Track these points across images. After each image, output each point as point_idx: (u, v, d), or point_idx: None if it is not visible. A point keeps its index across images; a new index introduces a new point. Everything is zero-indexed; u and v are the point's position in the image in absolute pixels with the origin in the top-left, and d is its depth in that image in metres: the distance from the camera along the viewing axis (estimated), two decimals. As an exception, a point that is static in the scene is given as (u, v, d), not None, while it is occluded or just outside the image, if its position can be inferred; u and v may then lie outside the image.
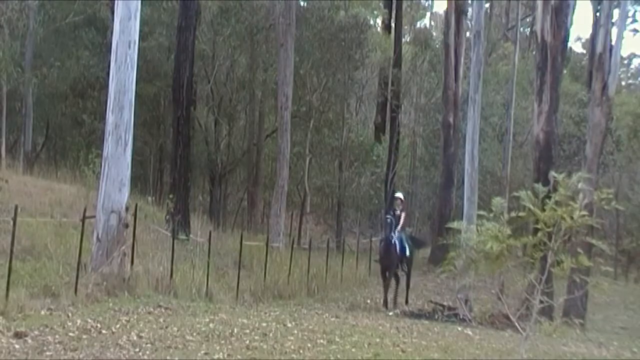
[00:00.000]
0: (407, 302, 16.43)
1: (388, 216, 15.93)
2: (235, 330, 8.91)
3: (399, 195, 17.16)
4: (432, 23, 50.33)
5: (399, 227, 15.98)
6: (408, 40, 38.27)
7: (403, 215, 16.30)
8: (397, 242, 15.74)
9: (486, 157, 27.11)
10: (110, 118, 11.86)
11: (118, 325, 8.68)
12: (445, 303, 15.42)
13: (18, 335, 7.65)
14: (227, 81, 28.77)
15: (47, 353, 7.19)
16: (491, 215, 6.98)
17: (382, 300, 15.79)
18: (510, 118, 23.60)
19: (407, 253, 16.23)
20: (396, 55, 30.71)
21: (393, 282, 16.17)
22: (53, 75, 26.62)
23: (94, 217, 11.58)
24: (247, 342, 8.28)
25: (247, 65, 28.96)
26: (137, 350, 7.56)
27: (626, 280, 26.37)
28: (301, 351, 8.00)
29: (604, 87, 16.85)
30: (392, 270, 15.92)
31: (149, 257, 13.42)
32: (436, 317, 13.88)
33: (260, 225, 29.46)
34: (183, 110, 20.73)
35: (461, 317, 13.25)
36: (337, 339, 8.81)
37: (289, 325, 9.80)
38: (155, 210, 19.49)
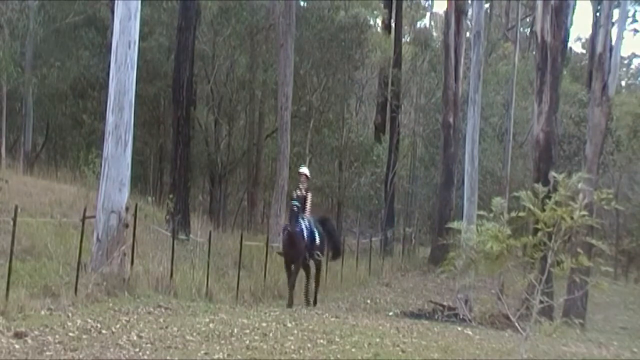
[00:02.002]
0: (315, 302, 14.32)
1: (294, 202, 13.62)
2: (235, 330, 8.91)
3: (304, 170, 14.63)
4: (432, 23, 50.29)
5: (306, 211, 13.87)
6: (408, 40, 38.23)
7: (309, 195, 14.05)
8: (304, 229, 13.64)
9: (486, 157, 27.11)
10: (110, 118, 11.86)
11: (118, 325, 8.68)
12: (445, 303, 15.41)
13: (18, 335, 7.65)
14: (227, 81, 28.77)
15: (47, 353, 7.18)
16: (491, 215, 6.97)
17: (287, 301, 13.64)
18: (510, 118, 23.58)
19: (317, 240, 14.01)
20: (396, 55, 30.71)
21: (303, 275, 14.17)
22: (53, 75, 26.63)
23: (94, 217, 11.58)
24: (247, 342, 8.28)
25: (247, 65, 28.97)
26: (137, 350, 7.56)
27: (626, 280, 26.36)
28: (301, 351, 8.00)
29: (604, 87, 16.86)
30: (299, 262, 13.80)
31: (149, 257, 13.43)
32: (436, 317, 13.88)
33: (260, 225, 29.45)
34: (183, 110, 20.74)
35: (461, 317, 13.24)
36: (337, 339, 8.80)
37: (289, 325, 9.79)
38: (155, 210, 19.49)
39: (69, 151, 28.58)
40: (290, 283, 13.73)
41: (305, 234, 13.64)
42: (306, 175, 14.35)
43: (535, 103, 18.00)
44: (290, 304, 13.26)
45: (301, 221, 13.56)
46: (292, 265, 13.72)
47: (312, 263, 14.16)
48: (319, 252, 14.08)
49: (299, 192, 13.96)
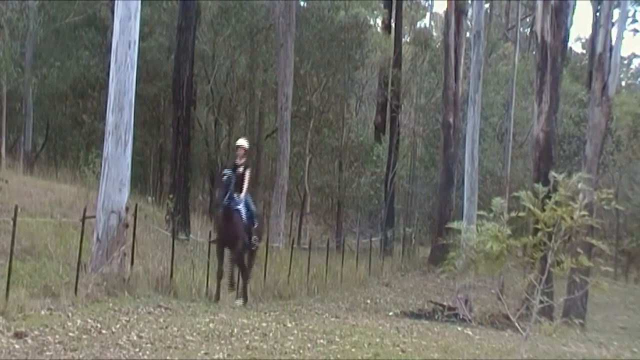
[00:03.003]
0: (246, 298, 12.58)
1: (226, 171, 11.94)
2: (235, 330, 8.91)
3: (242, 142, 12.78)
4: (432, 23, 50.31)
5: (244, 190, 12.15)
6: (408, 40, 38.22)
7: (248, 172, 12.35)
8: (242, 208, 12.03)
9: (486, 157, 27.11)
10: (110, 118, 11.85)
11: (118, 325, 8.68)
12: (445, 303, 15.41)
13: (18, 335, 7.64)
14: (227, 81, 28.77)
15: (47, 353, 7.18)
16: (491, 215, 6.97)
17: (214, 292, 12.04)
18: (510, 118, 23.61)
19: (255, 222, 12.54)
20: (396, 55, 30.71)
21: (234, 264, 12.30)
22: (53, 75, 26.63)
23: (94, 217, 11.58)
24: (247, 342, 8.28)
25: (247, 65, 28.97)
26: (137, 350, 7.56)
27: (626, 280, 26.37)
28: (301, 351, 8.00)
29: (604, 87, 16.86)
30: (238, 247, 12.01)
31: (149, 257, 13.44)
32: (436, 317, 13.88)
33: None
34: (183, 110, 20.76)
35: (461, 317, 13.25)
36: (337, 339, 8.81)
37: (289, 325, 9.80)
38: (155, 210, 19.50)
39: (69, 151, 28.59)
40: (218, 272, 12.06)
41: (243, 215, 11.97)
42: (244, 148, 12.61)
43: (535, 103, 18.00)
44: (217, 296, 11.76)
45: (237, 201, 11.86)
46: (230, 250, 11.93)
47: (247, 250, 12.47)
48: (256, 237, 12.53)
49: (236, 167, 12.33)
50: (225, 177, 11.74)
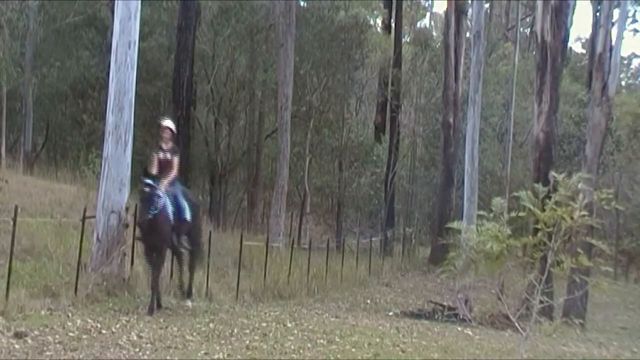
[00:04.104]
0: (189, 294, 11.09)
1: (147, 181, 9.88)
2: (235, 330, 8.91)
3: (167, 123, 11.00)
4: (432, 23, 50.35)
5: (171, 179, 10.46)
6: (408, 40, 38.25)
7: (176, 159, 10.66)
8: (167, 206, 10.18)
9: (486, 157, 27.12)
10: (110, 118, 11.85)
11: (118, 325, 8.68)
12: (445, 303, 15.42)
13: (18, 335, 7.64)
14: (227, 81, 28.76)
15: (47, 353, 7.18)
16: (491, 215, 6.97)
17: (150, 301, 10.06)
18: (510, 118, 23.61)
19: (187, 216, 10.55)
20: (396, 55, 30.72)
21: (168, 263, 11.14)
22: (53, 75, 26.62)
23: (94, 217, 11.57)
24: (247, 342, 8.28)
25: (247, 65, 28.96)
26: (137, 350, 7.56)
27: (626, 280, 26.39)
28: (301, 351, 8.00)
29: (604, 87, 16.87)
30: (165, 247, 10.39)
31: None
32: (436, 317, 13.90)
33: (260, 225, 29.46)
34: (183, 110, 20.80)
35: (461, 317, 13.27)
36: (337, 339, 8.81)
37: (289, 325, 9.80)
38: (155, 210, 19.44)
39: (69, 151, 28.57)
40: (153, 275, 10.31)
41: (169, 213, 10.18)
42: (171, 130, 10.87)
43: (535, 103, 18.02)
44: (151, 310, 9.81)
45: (162, 197, 10.03)
46: (154, 255, 10.28)
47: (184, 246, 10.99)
48: (187, 238, 10.84)
49: (160, 155, 10.65)
50: (147, 189, 9.83)
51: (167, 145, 10.78)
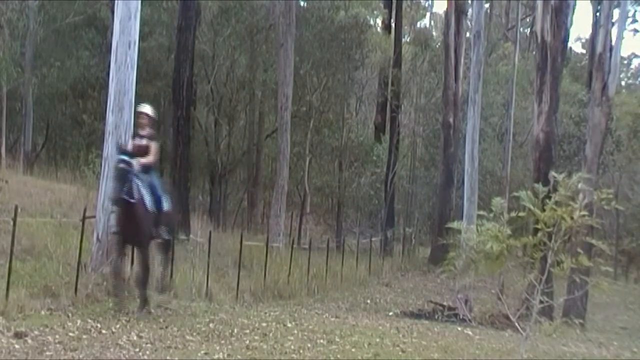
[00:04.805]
0: (166, 287, 10.68)
1: (122, 157, 9.36)
2: (235, 330, 8.91)
3: (145, 109, 10.20)
4: (432, 23, 50.36)
5: (146, 162, 9.78)
6: (408, 40, 38.25)
7: (154, 146, 9.96)
8: (144, 195, 9.50)
9: (486, 157, 27.12)
10: (110, 118, 11.84)
11: (118, 325, 8.68)
12: (445, 303, 15.43)
13: (18, 335, 7.64)
14: (227, 81, 28.77)
15: (47, 353, 7.18)
16: (491, 215, 6.97)
17: (114, 297, 9.69)
18: (510, 118, 23.61)
19: (166, 205, 9.91)
20: (396, 55, 30.72)
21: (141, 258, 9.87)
22: (53, 75, 26.64)
23: (94, 217, 11.57)
24: (247, 342, 8.28)
25: (247, 65, 28.97)
26: (137, 350, 7.56)
27: (626, 280, 26.39)
28: (301, 351, 8.00)
29: (604, 87, 16.88)
30: (145, 240, 9.69)
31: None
32: (436, 317, 13.90)
33: (260, 225, 29.47)
34: (183, 110, 20.75)
35: (461, 317, 13.28)
36: (337, 339, 8.81)
37: (289, 325, 9.80)
38: (155, 210, 19.44)
39: (69, 151, 28.57)
40: (113, 269, 9.74)
41: (148, 200, 9.53)
42: (149, 116, 10.13)
43: (535, 103, 18.02)
44: (120, 306, 9.40)
45: (139, 185, 9.45)
46: (133, 244, 9.82)
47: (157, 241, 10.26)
48: (165, 227, 10.05)
49: (136, 141, 10.06)
50: (121, 165, 9.21)
51: (144, 130, 10.07)
